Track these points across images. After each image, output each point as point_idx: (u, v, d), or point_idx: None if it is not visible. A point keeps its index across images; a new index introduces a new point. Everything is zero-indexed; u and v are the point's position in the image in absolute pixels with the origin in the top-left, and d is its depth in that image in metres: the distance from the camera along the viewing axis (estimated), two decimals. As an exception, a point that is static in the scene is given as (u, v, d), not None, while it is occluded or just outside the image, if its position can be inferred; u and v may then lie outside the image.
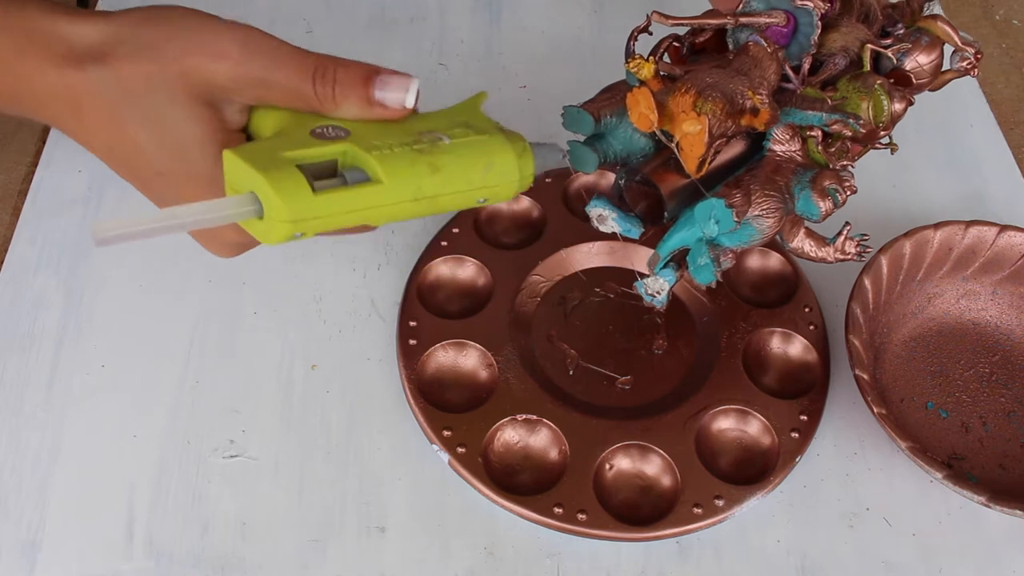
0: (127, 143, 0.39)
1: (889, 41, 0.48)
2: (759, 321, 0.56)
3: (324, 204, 0.37)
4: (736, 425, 0.53)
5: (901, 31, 0.49)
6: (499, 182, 0.42)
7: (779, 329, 0.56)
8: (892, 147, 0.49)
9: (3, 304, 0.56)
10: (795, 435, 0.52)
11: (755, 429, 0.53)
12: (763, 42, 0.45)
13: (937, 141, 0.68)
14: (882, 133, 0.47)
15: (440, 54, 0.71)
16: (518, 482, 0.50)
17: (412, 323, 0.55)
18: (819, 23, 0.46)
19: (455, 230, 0.59)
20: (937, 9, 0.50)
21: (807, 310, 0.57)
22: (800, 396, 0.54)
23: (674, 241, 0.47)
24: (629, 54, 0.46)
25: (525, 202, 0.61)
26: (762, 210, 0.46)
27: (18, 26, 0.39)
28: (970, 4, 0.80)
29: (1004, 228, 0.57)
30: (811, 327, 0.56)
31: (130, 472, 0.50)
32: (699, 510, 0.49)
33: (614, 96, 0.47)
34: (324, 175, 0.38)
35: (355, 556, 0.48)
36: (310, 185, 0.36)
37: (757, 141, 0.48)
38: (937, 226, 0.56)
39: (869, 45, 0.47)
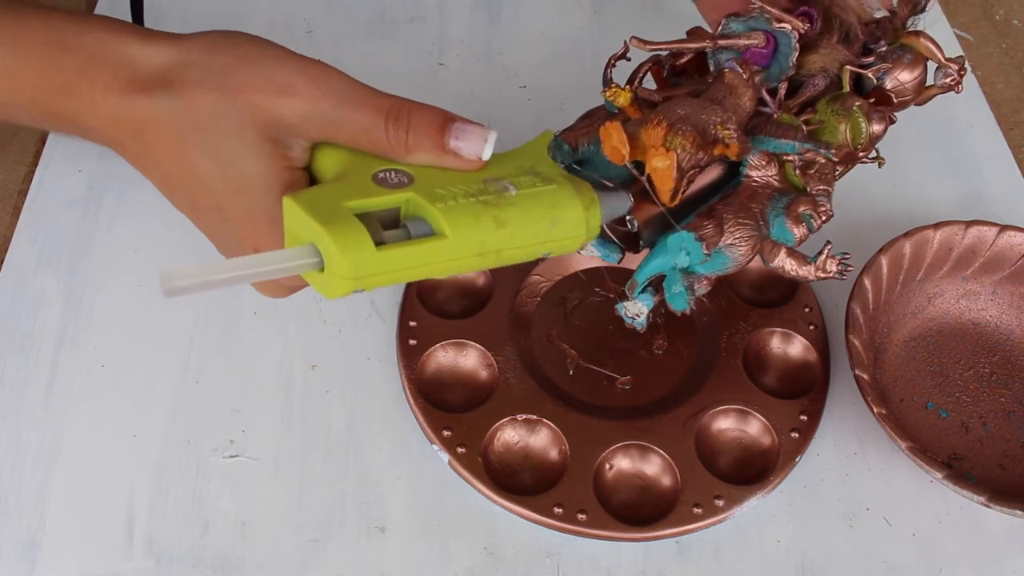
0: (189, 174, 0.38)
1: (871, 59, 0.48)
2: (759, 321, 0.56)
3: (387, 260, 0.35)
4: (736, 425, 0.53)
5: (883, 48, 0.48)
6: (565, 235, 0.40)
7: (779, 329, 0.56)
8: (879, 161, 0.49)
9: (3, 304, 0.56)
10: (795, 435, 0.52)
11: (755, 429, 0.53)
12: (738, 68, 0.45)
13: (937, 141, 0.68)
14: (861, 154, 0.47)
15: (440, 54, 0.71)
16: (518, 482, 0.50)
17: (412, 323, 0.55)
18: (797, 45, 0.45)
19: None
20: (921, 24, 0.50)
21: (807, 310, 0.57)
22: (800, 396, 0.54)
23: (650, 268, 0.47)
24: (606, 81, 0.47)
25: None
26: (735, 239, 0.46)
27: (83, 47, 0.37)
28: (970, 4, 0.80)
29: (1004, 228, 0.57)
30: (811, 327, 0.56)
31: (130, 472, 0.50)
32: (699, 510, 0.49)
33: (593, 123, 0.47)
34: (386, 224, 0.36)
35: (355, 556, 0.48)
36: (373, 240, 0.35)
37: (734, 166, 0.48)
38: (937, 226, 0.56)
39: (848, 67, 0.47)
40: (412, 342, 0.54)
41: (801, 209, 0.46)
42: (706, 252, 0.46)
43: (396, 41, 0.72)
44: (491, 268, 0.39)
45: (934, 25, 0.50)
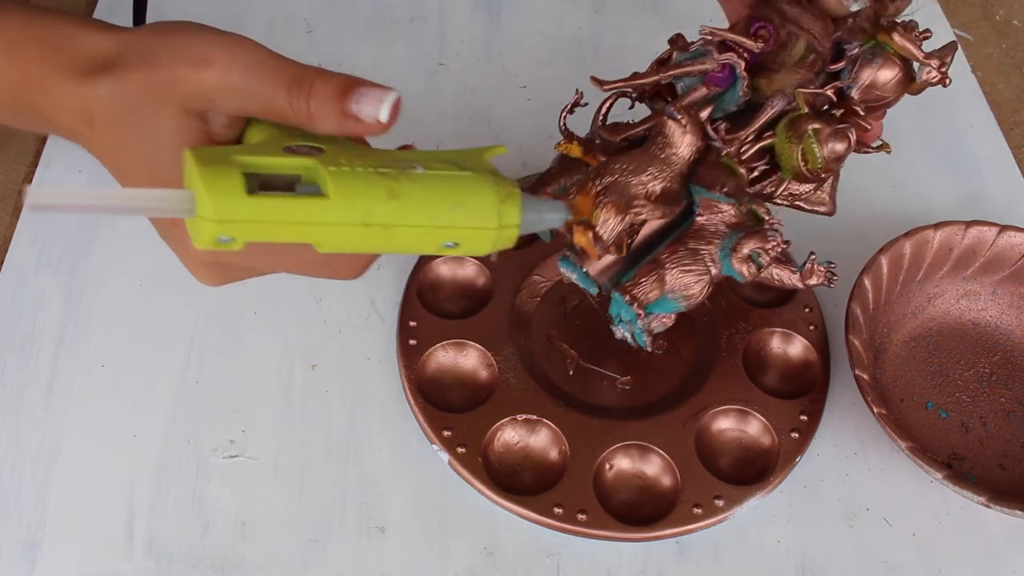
0: (124, 153, 0.38)
1: (841, 65, 0.46)
2: (759, 321, 0.56)
3: (256, 208, 0.34)
4: (736, 425, 0.53)
5: (856, 50, 0.46)
6: (470, 225, 0.37)
7: (779, 329, 0.56)
8: (885, 148, 0.49)
9: (3, 304, 0.56)
10: (795, 435, 0.52)
11: (755, 429, 0.53)
12: (676, 115, 0.45)
13: (937, 141, 0.68)
14: (823, 176, 0.47)
15: (440, 54, 0.71)
16: (518, 482, 0.50)
17: (412, 323, 0.55)
18: (744, 74, 0.45)
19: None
20: (917, 19, 0.48)
21: (807, 310, 0.57)
22: (800, 396, 0.54)
23: (612, 307, 0.49)
24: (561, 131, 0.47)
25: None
26: (681, 284, 0.47)
27: (47, 38, 0.38)
28: (970, 4, 0.80)
29: (1004, 228, 0.57)
30: (811, 327, 0.56)
31: (130, 472, 0.50)
32: (699, 510, 0.49)
33: (559, 175, 0.48)
34: (280, 188, 0.35)
35: (355, 556, 0.48)
36: (247, 188, 0.34)
37: (690, 204, 0.48)
38: (937, 226, 0.56)
39: (800, 90, 0.46)
40: (412, 342, 0.54)
41: (746, 250, 0.46)
42: (638, 312, 0.47)
43: (396, 41, 0.72)
44: (388, 251, 0.37)
45: (933, 24, 0.50)
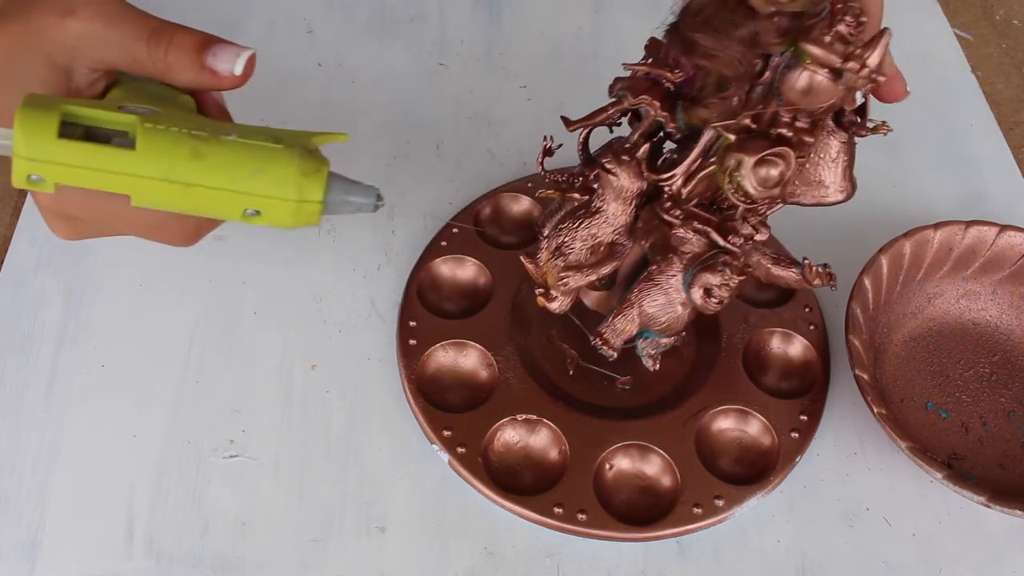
0: (2, 107, 0.39)
1: (767, 76, 0.42)
2: (759, 321, 0.56)
3: (65, 151, 0.36)
4: (736, 425, 0.53)
5: (777, 59, 0.41)
6: (270, 194, 0.38)
7: (779, 329, 0.56)
8: (881, 129, 0.44)
9: (3, 304, 0.56)
10: (795, 435, 0.52)
11: (755, 429, 0.53)
12: (607, 166, 0.45)
13: (937, 141, 0.68)
14: (774, 202, 0.45)
15: (440, 54, 0.71)
16: (518, 482, 0.50)
17: (412, 323, 0.55)
18: (663, 114, 0.44)
19: (454, 230, 0.59)
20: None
21: (807, 310, 0.57)
22: (800, 396, 0.54)
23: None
24: (543, 176, 0.48)
25: (526, 203, 0.61)
26: (651, 318, 0.49)
27: None
28: (970, 4, 0.80)
29: (1004, 228, 0.57)
30: (811, 327, 0.56)
31: (130, 472, 0.51)
32: (699, 510, 0.49)
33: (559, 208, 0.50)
34: (103, 140, 0.37)
35: (355, 556, 0.48)
36: (61, 133, 0.36)
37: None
38: (937, 226, 0.56)
39: (713, 125, 0.43)
40: (412, 342, 0.54)
41: (699, 285, 0.46)
42: (612, 354, 0.50)
43: (396, 41, 0.72)
44: (193, 211, 0.39)
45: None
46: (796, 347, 0.56)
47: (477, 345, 0.54)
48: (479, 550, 0.49)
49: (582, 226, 0.47)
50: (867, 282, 0.54)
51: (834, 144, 0.44)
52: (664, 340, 0.50)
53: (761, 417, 0.52)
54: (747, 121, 0.42)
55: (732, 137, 0.43)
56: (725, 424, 0.53)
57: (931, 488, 0.52)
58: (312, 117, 0.67)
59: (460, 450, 0.50)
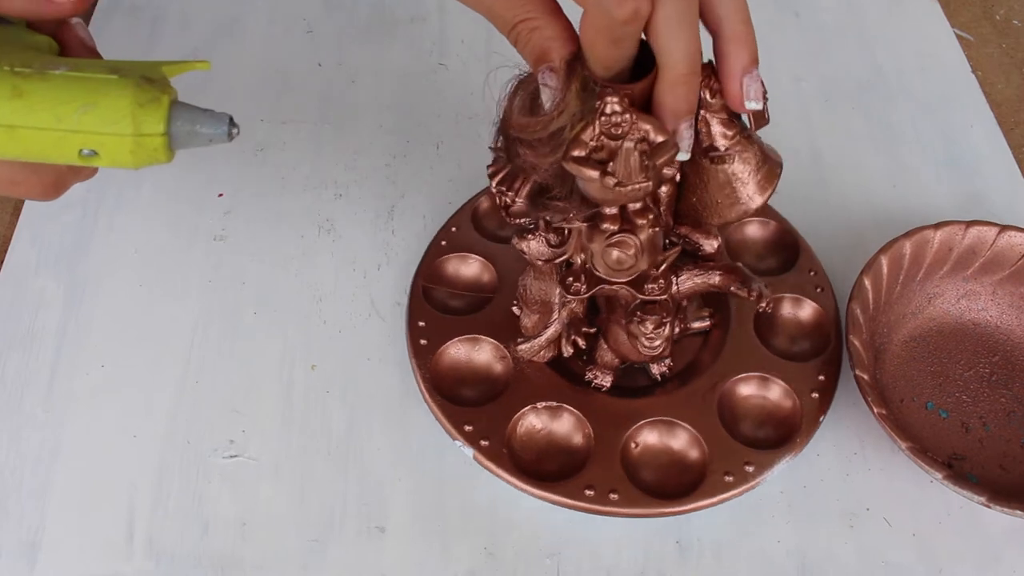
0: None
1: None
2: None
3: None
4: (757, 391, 0.53)
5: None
6: (103, 130, 0.35)
7: (788, 295, 0.56)
8: (754, 121, 0.42)
9: (3, 304, 0.56)
10: (815, 395, 0.52)
11: (776, 394, 0.53)
12: (514, 243, 0.47)
13: (937, 141, 0.68)
14: (648, 293, 0.46)
15: (440, 54, 0.71)
16: (545, 469, 0.50)
17: (421, 323, 0.55)
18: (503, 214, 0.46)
19: (453, 229, 0.59)
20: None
21: (812, 274, 0.57)
22: (815, 358, 0.54)
23: None
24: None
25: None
26: (621, 354, 0.51)
27: None
28: (970, 4, 0.80)
29: (1004, 228, 0.57)
30: (818, 290, 0.57)
31: (130, 472, 0.51)
32: (731, 478, 0.49)
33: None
34: None
35: (355, 556, 0.48)
36: None
37: None
38: (937, 226, 0.56)
39: (557, 224, 0.45)
40: (423, 342, 0.54)
41: (631, 329, 0.47)
42: (605, 385, 0.52)
43: (396, 41, 0.72)
44: (24, 156, 0.36)
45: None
46: (806, 310, 0.56)
47: (489, 339, 0.54)
48: (479, 550, 0.49)
49: (536, 278, 0.50)
50: (867, 282, 0.54)
51: (721, 173, 0.44)
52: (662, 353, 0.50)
53: (780, 381, 0.52)
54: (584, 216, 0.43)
55: (583, 226, 0.44)
56: (746, 391, 0.53)
57: (931, 488, 0.52)
58: (312, 117, 0.67)
59: (484, 443, 0.50)
